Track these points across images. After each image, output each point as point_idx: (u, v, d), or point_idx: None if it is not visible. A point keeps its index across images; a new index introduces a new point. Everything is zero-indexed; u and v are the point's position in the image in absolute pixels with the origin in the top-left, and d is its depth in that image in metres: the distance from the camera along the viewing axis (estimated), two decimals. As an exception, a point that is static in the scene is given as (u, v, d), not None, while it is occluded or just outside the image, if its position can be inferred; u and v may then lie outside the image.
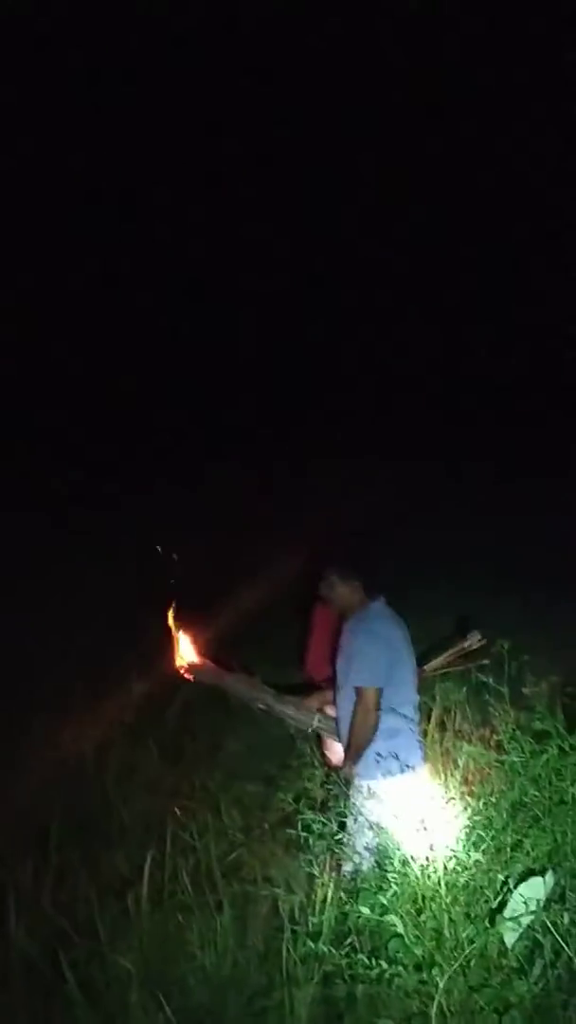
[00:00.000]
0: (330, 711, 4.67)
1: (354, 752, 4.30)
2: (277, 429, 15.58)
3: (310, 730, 4.80)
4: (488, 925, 3.40)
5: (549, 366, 18.46)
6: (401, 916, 3.50)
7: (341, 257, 20.30)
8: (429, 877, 3.58)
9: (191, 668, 4.85)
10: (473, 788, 4.02)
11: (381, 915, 3.53)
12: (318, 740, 4.97)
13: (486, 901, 3.51)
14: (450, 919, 3.45)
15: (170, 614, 4.88)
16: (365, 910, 3.56)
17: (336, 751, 4.66)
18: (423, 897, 3.56)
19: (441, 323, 19.56)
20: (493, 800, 3.86)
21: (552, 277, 19.56)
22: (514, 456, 14.30)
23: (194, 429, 15.36)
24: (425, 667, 5.28)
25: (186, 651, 4.85)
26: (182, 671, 4.87)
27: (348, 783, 4.29)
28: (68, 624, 7.76)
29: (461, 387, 18.33)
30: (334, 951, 3.46)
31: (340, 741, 4.53)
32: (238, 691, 4.90)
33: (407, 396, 17.89)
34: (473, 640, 5.37)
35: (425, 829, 3.68)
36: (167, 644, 4.91)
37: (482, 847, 3.66)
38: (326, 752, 4.83)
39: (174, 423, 15.47)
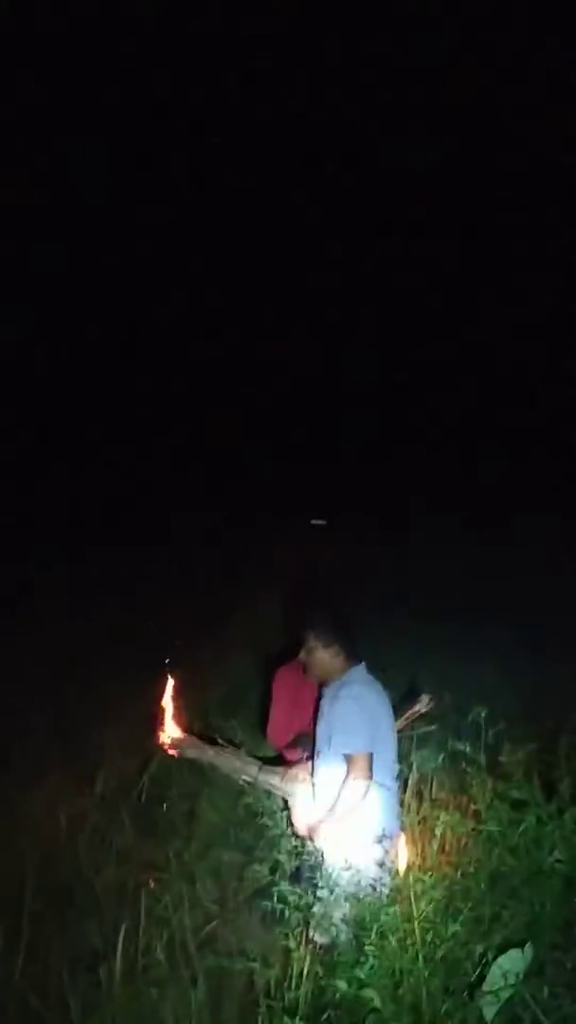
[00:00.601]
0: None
1: (339, 817, 4.27)
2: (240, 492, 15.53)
3: (293, 799, 4.77)
4: (467, 999, 3.36)
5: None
6: (379, 990, 3.46)
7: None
8: (407, 950, 3.55)
9: (174, 743, 4.85)
10: (451, 858, 4.00)
11: (358, 989, 3.49)
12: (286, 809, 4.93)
13: (465, 974, 3.48)
14: (428, 993, 3.42)
15: (166, 690, 4.91)
16: (342, 984, 3.52)
17: (311, 819, 4.62)
18: (401, 970, 3.52)
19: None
20: (471, 870, 3.84)
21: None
22: (485, 511, 14.37)
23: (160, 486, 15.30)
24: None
25: (170, 726, 4.87)
26: (165, 747, 4.88)
27: (323, 850, 4.27)
28: (40, 689, 7.68)
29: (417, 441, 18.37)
30: (311, 1026, 3.41)
31: (319, 809, 4.51)
32: (222, 765, 4.90)
33: (364, 451, 17.92)
34: (422, 704, 5.39)
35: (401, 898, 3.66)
36: (154, 719, 4.92)
37: (460, 918, 3.63)
38: (296, 821, 4.78)
39: (141, 477, 15.41)
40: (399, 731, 5.35)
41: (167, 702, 5.03)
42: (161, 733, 4.96)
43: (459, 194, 19.61)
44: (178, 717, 5.02)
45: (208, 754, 4.92)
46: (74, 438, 16.40)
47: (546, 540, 12.23)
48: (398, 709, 5.52)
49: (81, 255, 17.81)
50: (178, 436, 17.29)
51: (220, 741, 5.06)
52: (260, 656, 7.62)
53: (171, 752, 4.95)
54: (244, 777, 4.90)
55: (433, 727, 5.38)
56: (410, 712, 5.41)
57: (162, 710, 5.00)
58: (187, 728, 5.06)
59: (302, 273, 20.25)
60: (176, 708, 5.04)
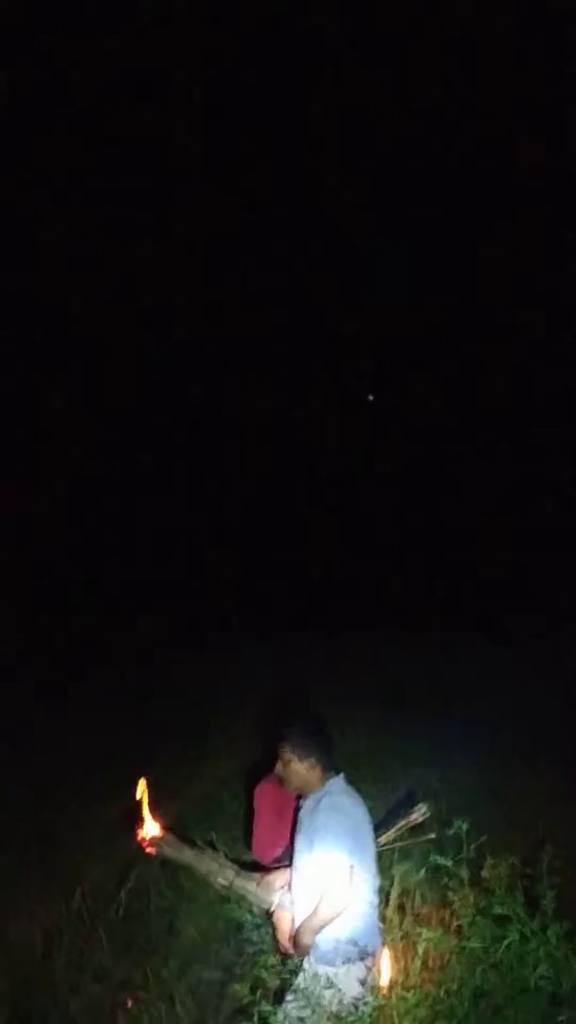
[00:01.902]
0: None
1: (315, 926, 4.22)
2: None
3: (270, 908, 4.72)
4: None
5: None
6: None
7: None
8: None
9: (154, 841, 4.83)
10: (434, 975, 3.95)
11: None
12: (273, 926, 4.86)
13: None
14: None
15: (140, 788, 4.90)
16: None
17: (288, 931, 4.57)
18: None
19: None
20: (454, 988, 3.80)
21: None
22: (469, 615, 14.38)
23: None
24: (378, 840, 5.26)
25: (148, 824, 4.85)
26: (145, 844, 4.85)
27: (302, 959, 4.21)
28: (16, 801, 7.59)
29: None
30: None
31: (295, 920, 4.46)
32: (200, 866, 4.87)
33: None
34: (419, 813, 5.37)
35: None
36: (133, 817, 4.88)
37: (444, 1038, 3.58)
38: (279, 937, 4.73)
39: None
40: (391, 841, 5.34)
41: (144, 800, 4.99)
42: (140, 830, 4.92)
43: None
44: (156, 816, 4.98)
45: (186, 854, 4.90)
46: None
47: (530, 644, 12.27)
48: (392, 818, 5.50)
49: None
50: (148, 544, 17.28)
51: (199, 844, 5.01)
52: (237, 767, 7.59)
53: (149, 850, 4.90)
54: (220, 880, 4.86)
55: (430, 836, 5.33)
56: (404, 822, 5.39)
57: (140, 807, 4.96)
58: (165, 827, 5.01)
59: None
60: (153, 809, 5.00)
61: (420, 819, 5.43)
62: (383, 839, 5.36)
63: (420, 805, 5.47)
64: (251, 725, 8.75)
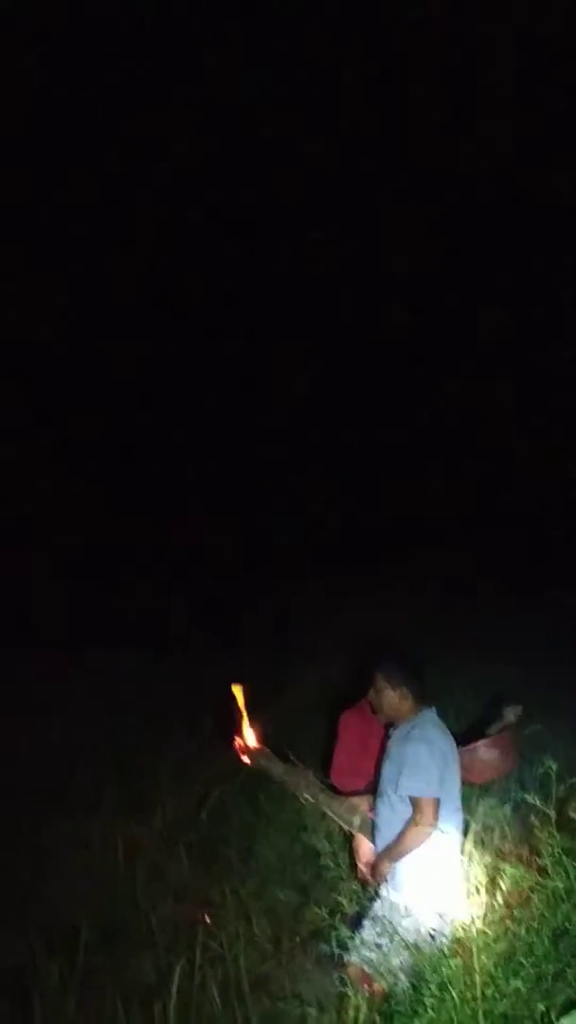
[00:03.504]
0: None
1: (395, 855, 4.22)
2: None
3: (352, 829, 4.73)
4: (528, 1058, 3.28)
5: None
6: (437, 1043, 3.39)
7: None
8: (467, 1004, 3.47)
9: (249, 750, 4.87)
10: (514, 912, 3.90)
11: (416, 1041, 3.42)
12: (352, 851, 4.87)
13: (526, 1032, 3.39)
14: (488, 1049, 3.34)
15: (237, 695, 4.94)
16: (399, 1035, 3.46)
17: (367, 858, 4.58)
18: (460, 1024, 3.45)
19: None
20: (535, 926, 3.75)
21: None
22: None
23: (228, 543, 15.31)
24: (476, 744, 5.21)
25: (248, 734, 4.90)
26: (242, 751, 4.89)
27: (380, 885, 4.22)
28: (98, 722, 7.73)
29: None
30: (366, 1075, 3.35)
31: (375, 848, 4.46)
32: (289, 780, 4.89)
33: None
34: (513, 713, 5.30)
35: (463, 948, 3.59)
36: (226, 727, 4.94)
37: (522, 974, 3.54)
38: (359, 863, 4.73)
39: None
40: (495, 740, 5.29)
41: (242, 709, 5.03)
42: (238, 739, 4.96)
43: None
44: (253, 726, 5.02)
45: (279, 768, 4.92)
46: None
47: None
48: (482, 726, 5.44)
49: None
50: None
51: (292, 758, 5.03)
52: (321, 695, 7.60)
53: (245, 758, 4.94)
54: (307, 795, 4.87)
55: (536, 727, 5.25)
56: (503, 725, 5.32)
57: (239, 716, 5.01)
58: (262, 740, 5.05)
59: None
60: (250, 718, 5.04)
61: (514, 719, 5.35)
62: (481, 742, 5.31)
63: (508, 708, 5.39)
64: (337, 655, 8.76)
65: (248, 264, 19.40)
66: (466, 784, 4.65)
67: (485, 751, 5.06)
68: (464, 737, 5.17)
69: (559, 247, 18.58)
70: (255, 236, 19.41)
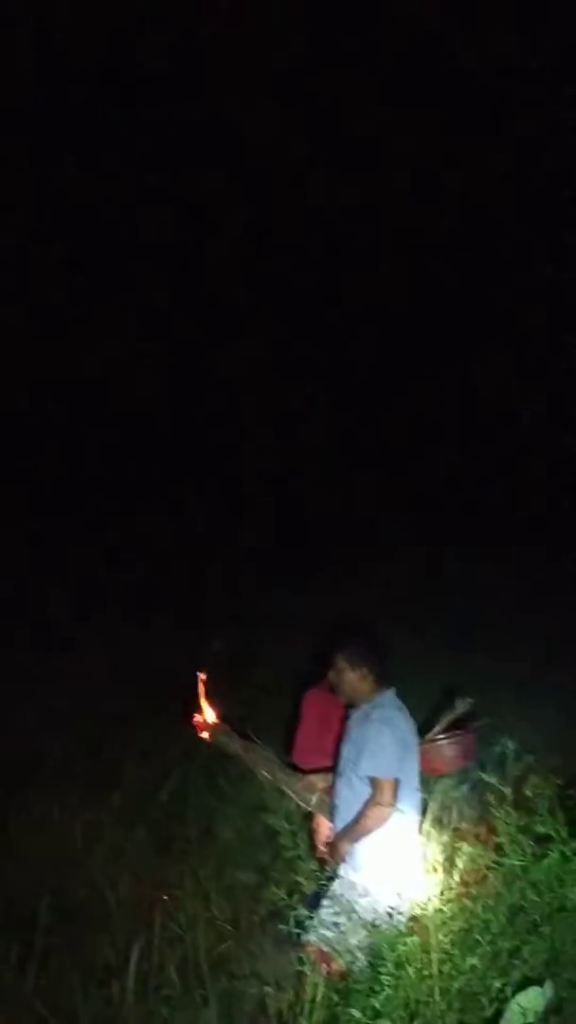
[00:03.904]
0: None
1: (354, 835, 4.24)
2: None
3: (309, 807, 4.75)
4: (484, 1035, 3.31)
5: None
6: (393, 1021, 3.41)
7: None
8: (424, 981, 3.50)
9: (211, 727, 4.88)
10: (471, 890, 3.94)
11: (372, 1019, 3.44)
12: (310, 831, 4.88)
13: (481, 1009, 3.41)
14: (444, 1026, 3.37)
15: (200, 679, 4.95)
16: (356, 1013, 3.47)
17: (326, 837, 4.60)
18: (417, 1002, 3.47)
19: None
20: (491, 904, 3.78)
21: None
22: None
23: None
24: (425, 737, 5.26)
25: (208, 711, 4.93)
26: (201, 728, 4.89)
27: (338, 865, 4.24)
28: (62, 703, 7.70)
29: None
30: (323, 1055, 3.37)
31: (334, 827, 4.48)
32: (246, 757, 4.91)
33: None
34: (462, 705, 5.35)
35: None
36: (188, 709, 4.94)
37: (478, 952, 3.58)
38: (316, 843, 4.75)
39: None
40: (437, 735, 5.33)
41: (203, 690, 5.05)
42: (197, 716, 4.97)
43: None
44: (213, 706, 5.03)
45: (237, 744, 4.93)
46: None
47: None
48: (435, 718, 5.48)
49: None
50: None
51: (250, 735, 5.04)
52: (282, 676, 7.60)
53: (204, 735, 4.94)
54: (265, 773, 4.89)
55: (484, 723, 5.31)
56: (450, 717, 5.37)
57: (200, 696, 5.02)
58: (221, 718, 5.06)
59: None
60: (210, 700, 5.05)
61: (463, 711, 5.41)
62: (432, 734, 5.35)
63: (458, 700, 5.45)
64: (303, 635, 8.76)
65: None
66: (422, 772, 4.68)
67: (448, 747, 5.12)
68: (422, 726, 5.20)
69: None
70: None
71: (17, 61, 16.24)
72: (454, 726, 5.44)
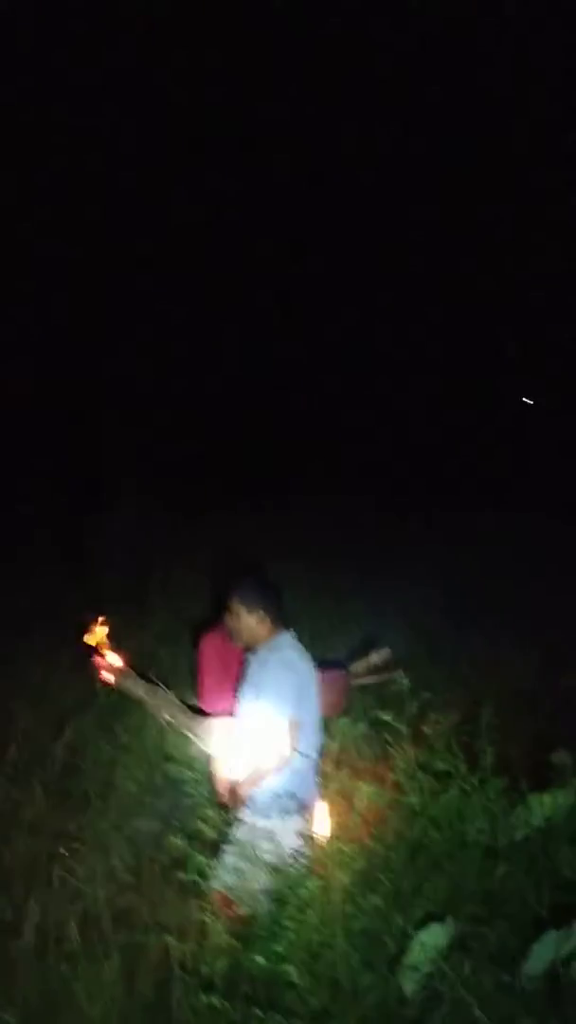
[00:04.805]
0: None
1: (255, 778, 4.21)
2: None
3: (210, 751, 4.70)
4: (387, 973, 3.30)
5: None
6: (297, 965, 3.39)
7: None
8: (326, 923, 3.48)
9: (114, 670, 4.77)
10: (371, 829, 3.93)
11: (276, 964, 3.42)
12: (212, 777, 4.84)
13: (385, 948, 3.42)
14: (348, 967, 3.36)
15: (100, 623, 4.84)
16: (260, 959, 3.45)
17: (227, 782, 4.56)
18: (320, 944, 3.46)
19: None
20: (392, 842, 3.79)
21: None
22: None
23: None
24: (350, 669, 5.25)
25: (110, 655, 4.84)
26: (104, 670, 4.78)
27: (239, 809, 4.21)
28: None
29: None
30: (226, 1003, 3.33)
31: (234, 771, 4.44)
32: (149, 701, 4.83)
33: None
34: (379, 656, 5.36)
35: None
36: (92, 649, 4.82)
37: (380, 891, 3.58)
38: (217, 788, 4.71)
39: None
40: (361, 676, 5.33)
41: (104, 634, 4.93)
42: (100, 659, 4.85)
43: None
44: (117, 651, 4.93)
45: (140, 688, 4.85)
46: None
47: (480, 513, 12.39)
48: (350, 661, 5.48)
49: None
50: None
51: (153, 679, 4.96)
52: (185, 623, 7.51)
53: (107, 678, 4.84)
54: (167, 717, 4.83)
55: (398, 675, 5.32)
56: (365, 663, 5.37)
57: (102, 638, 4.90)
58: (127, 661, 4.97)
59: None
60: (114, 647, 4.94)
61: (380, 661, 5.41)
62: (354, 669, 5.35)
63: (383, 648, 5.44)
64: (194, 581, 8.69)
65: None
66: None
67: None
68: (334, 663, 5.19)
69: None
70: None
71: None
72: (370, 674, 5.47)
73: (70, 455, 15.22)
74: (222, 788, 4.62)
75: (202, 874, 3.89)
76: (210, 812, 4.25)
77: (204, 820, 4.13)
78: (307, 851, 3.98)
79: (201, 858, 3.88)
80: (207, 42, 17.69)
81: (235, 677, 4.81)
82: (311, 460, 16.27)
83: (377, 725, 4.48)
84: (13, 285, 16.62)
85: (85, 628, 4.97)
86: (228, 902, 3.94)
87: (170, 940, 3.77)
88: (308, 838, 4.04)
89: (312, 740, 4.38)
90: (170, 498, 12.72)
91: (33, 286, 17.32)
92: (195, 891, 3.99)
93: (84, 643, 4.95)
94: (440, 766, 3.85)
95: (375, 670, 5.51)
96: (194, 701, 5.15)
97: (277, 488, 14.41)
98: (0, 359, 16.38)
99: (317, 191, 19.61)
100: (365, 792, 3.98)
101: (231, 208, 19.08)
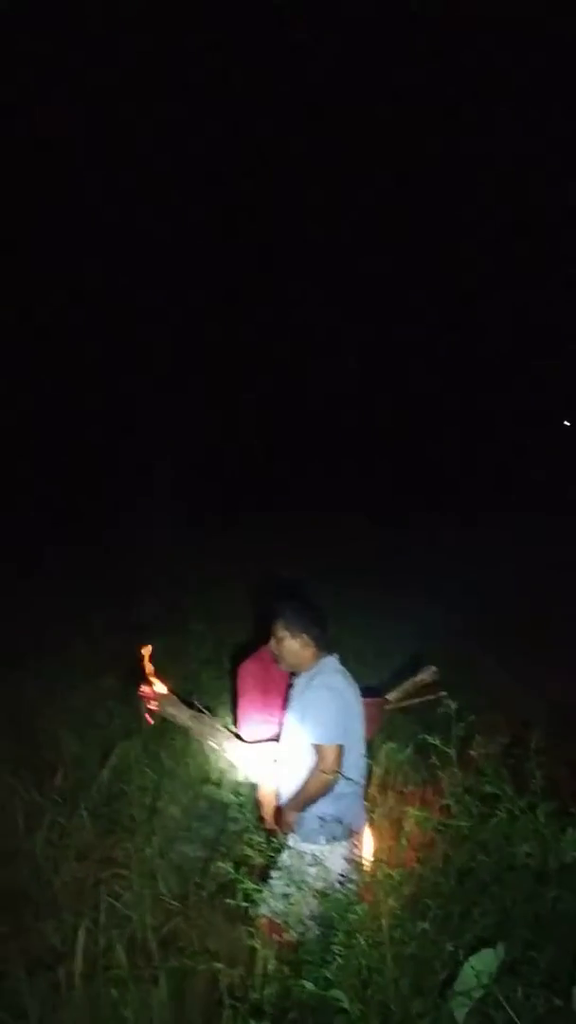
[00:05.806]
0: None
1: (300, 804, 4.19)
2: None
3: (256, 778, 4.69)
4: (438, 999, 3.27)
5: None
6: (346, 990, 3.36)
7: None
8: (375, 948, 3.46)
9: (159, 697, 4.78)
10: (419, 854, 3.91)
11: (325, 990, 3.39)
12: (258, 802, 4.83)
13: (435, 973, 3.38)
14: (398, 992, 3.33)
15: (145, 651, 4.86)
16: (309, 985, 3.42)
17: (273, 807, 4.54)
18: (369, 969, 3.43)
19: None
20: (440, 867, 3.76)
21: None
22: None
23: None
24: (388, 696, 5.22)
25: (156, 684, 4.83)
26: (149, 699, 4.79)
27: (286, 835, 4.19)
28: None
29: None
30: (276, 1029, 3.32)
31: (281, 797, 4.42)
32: (194, 728, 4.83)
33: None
34: (428, 673, 5.32)
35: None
36: (131, 681, 4.84)
37: (429, 916, 3.55)
38: (264, 814, 4.70)
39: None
40: (400, 700, 5.30)
41: (149, 661, 4.94)
42: (145, 687, 4.86)
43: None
44: (161, 678, 4.94)
45: (186, 715, 4.85)
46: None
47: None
48: (398, 680, 5.44)
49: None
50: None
51: (198, 705, 4.96)
52: (224, 647, 7.54)
53: (152, 706, 4.84)
54: (213, 744, 4.82)
55: (442, 694, 5.30)
56: (414, 681, 5.34)
57: (146, 668, 4.91)
58: (170, 688, 4.98)
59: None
60: (158, 673, 4.96)
61: (429, 679, 5.38)
62: (393, 697, 5.31)
63: (428, 667, 5.41)
64: (234, 608, 8.71)
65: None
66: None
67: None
68: (369, 690, 5.17)
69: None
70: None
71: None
72: (416, 694, 5.43)
73: (104, 487, 15.36)
74: (268, 813, 4.61)
75: (250, 900, 3.87)
76: (256, 837, 4.24)
77: (250, 845, 4.12)
78: (355, 876, 3.95)
79: (248, 884, 3.86)
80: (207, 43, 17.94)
81: (276, 702, 4.81)
82: (341, 479, 16.31)
83: (424, 749, 4.45)
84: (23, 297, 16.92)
85: (129, 655, 5.00)
86: (276, 928, 3.92)
87: (218, 966, 3.76)
88: (356, 863, 4.02)
89: (358, 764, 4.35)
90: (200, 518, 12.81)
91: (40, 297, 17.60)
92: (243, 917, 3.98)
93: (128, 671, 4.97)
94: (488, 789, 3.82)
95: (422, 690, 5.47)
96: (234, 727, 5.16)
97: (306, 505, 14.43)
98: (35, 373, 16.68)
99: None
100: (412, 816, 3.96)
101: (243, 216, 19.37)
